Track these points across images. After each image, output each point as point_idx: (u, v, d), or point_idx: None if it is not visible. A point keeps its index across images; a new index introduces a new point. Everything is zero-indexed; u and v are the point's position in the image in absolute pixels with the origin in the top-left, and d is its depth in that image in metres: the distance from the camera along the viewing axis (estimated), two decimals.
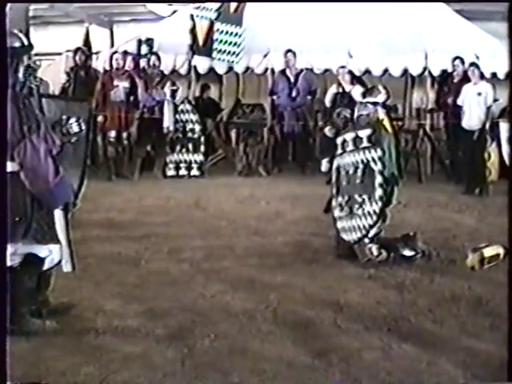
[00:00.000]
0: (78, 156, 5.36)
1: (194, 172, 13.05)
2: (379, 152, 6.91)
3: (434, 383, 4.38)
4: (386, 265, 6.86)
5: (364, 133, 7.01)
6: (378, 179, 6.91)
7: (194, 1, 13.43)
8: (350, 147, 7.13)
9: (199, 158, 13.10)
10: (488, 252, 6.79)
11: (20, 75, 4.82)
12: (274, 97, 13.86)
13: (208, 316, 5.43)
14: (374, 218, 6.94)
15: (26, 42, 4.95)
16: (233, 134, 14.34)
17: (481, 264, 6.70)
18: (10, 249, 4.88)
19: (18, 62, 4.81)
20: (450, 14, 14.82)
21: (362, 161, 7.01)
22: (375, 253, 6.95)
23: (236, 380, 4.35)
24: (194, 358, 4.63)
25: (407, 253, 7.00)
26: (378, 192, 6.91)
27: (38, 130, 4.70)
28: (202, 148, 13.13)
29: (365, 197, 6.98)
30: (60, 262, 5.12)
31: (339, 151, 7.27)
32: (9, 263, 4.91)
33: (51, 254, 5.01)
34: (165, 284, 6.25)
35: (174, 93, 12.88)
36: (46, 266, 5.05)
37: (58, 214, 5.01)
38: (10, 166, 4.71)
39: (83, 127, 5.11)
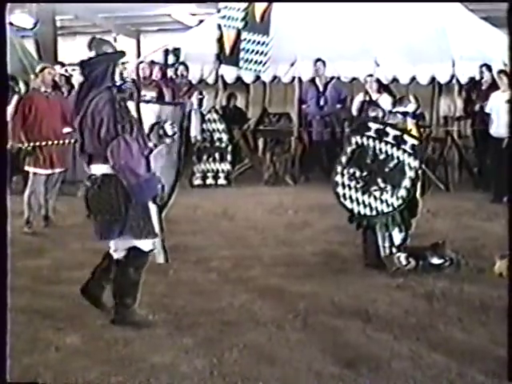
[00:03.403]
0: (172, 157, 5.67)
1: (221, 181, 13.07)
2: (416, 163, 6.97)
3: None
4: (414, 274, 6.85)
5: (410, 140, 6.98)
6: (406, 182, 6.93)
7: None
8: (390, 140, 7.06)
9: (226, 167, 13.13)
10: None
11: (116, 78, 5.12)
12: (304, 106, 13.90)
13: (236, 325, 5.43)
14: (390, 208, 7.01)
15: (117, 49, 5.28)
16: (260, 143, 14.35)
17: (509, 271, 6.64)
18: (112, 246, 5.22)
19: (114, 66, 5.09)
20: (477, 21, 14.75)
21: (398, 158, 6.99)
22: (404, 262, 6.94)
23: None
24: (223, 368, 4.63)
25: (436, 261, 6.98)
26: (402, 192, 6.97)
27: (131, 131, 4.94)
28: (229, 157, 13.16)
29: (388, 186, 6.99)
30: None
31: (372, 134, 7.16)
32: (115, 256, 5.24)
33: (155, 247, 5.28)
34: (193, 293, 6.26)
35: (200, 102, 12.90)
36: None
37: (153, 208, 5.24)
38: (106, 169, 4.99)
39: (177, 130, 5.51)
